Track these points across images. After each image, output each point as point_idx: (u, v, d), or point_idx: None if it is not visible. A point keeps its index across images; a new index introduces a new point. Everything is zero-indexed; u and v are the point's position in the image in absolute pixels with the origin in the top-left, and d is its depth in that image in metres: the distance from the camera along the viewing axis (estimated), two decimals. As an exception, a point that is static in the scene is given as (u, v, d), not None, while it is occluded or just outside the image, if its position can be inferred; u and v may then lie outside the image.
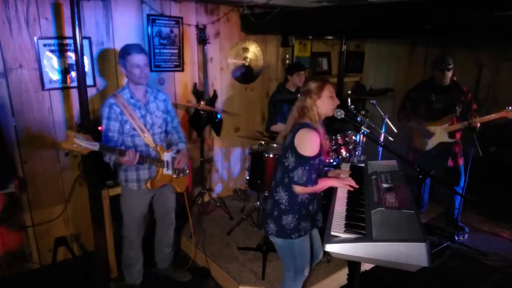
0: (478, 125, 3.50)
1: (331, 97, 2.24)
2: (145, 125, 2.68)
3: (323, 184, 2.27)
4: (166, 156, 2.78)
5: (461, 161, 3.95)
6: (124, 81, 2.74)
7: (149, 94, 2.77)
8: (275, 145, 3.66)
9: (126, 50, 2.59)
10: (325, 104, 2.23)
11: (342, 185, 2.35)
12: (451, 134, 3.87)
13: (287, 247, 2.32)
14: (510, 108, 3.40)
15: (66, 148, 2.23)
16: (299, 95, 2.27)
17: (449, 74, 3.83)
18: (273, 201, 2.31)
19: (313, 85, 2.21)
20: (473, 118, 3.56)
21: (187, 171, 3.01)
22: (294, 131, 2.21)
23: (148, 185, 2.72)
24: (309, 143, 2.14)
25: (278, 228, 2.27)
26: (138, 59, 2.58)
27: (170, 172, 2.81)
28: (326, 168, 2.71)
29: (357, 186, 2.35)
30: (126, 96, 2.66)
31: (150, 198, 2.90)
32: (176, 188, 2.94)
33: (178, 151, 2.91)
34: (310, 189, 2.19)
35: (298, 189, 2.18)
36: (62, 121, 3.28)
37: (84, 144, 2.26)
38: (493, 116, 3.48)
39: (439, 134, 3.88)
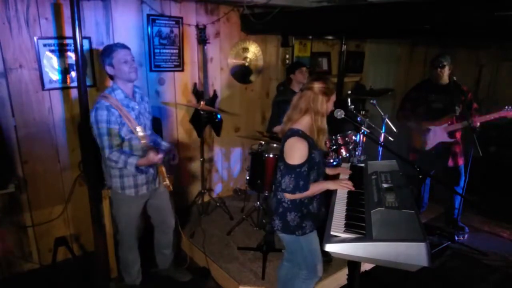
0: (478, 124, 3.50)
1: (334, 100, 2.30)
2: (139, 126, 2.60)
3: (318, 188, 2.28)
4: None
5: (461, 161, 3.95)
6: (110, 82, 2.67)
7: (137, 94, 2.71)
8: (275, 145, 3.66)
9: (110, 49, 2.52)
10: (331, 105, 2.29)
11: (338, 187, 2.36)
12: (451, 134, 3.87)
13: (294, 242, 2.36)
14: (509, 107, 3.40)
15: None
16: (306, 90, 2.25)
17: (444, 72, 3.82)
18: (277, 200, 2.37)
19: (329, 85, 2.24)
20: (473, 117, 3.56)
21: None
22: (285, 138, 2.26)
23: (170, 185, 2.70)
24: (295, 152, 2.17)
25: (283, 224, 2.33)
26: (124, 53, 2.52)
27: (165, 170, 2.78)
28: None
29: (353, 188, 2.36)
30: (120, 97, 2.55)
31: (145, 201, 2.87)
32: (170, 186, 2.82)
33: (166, 150, 2.87)
34: (299, 195, 2.22)
35: (287, 195, 2.24)
36: (62, 121, 3.28)
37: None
38: (493, 115, 3.48)
39: (439, 133, 3.88)
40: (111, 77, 2.61)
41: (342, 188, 2.37)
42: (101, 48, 3.32)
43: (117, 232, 2.88)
